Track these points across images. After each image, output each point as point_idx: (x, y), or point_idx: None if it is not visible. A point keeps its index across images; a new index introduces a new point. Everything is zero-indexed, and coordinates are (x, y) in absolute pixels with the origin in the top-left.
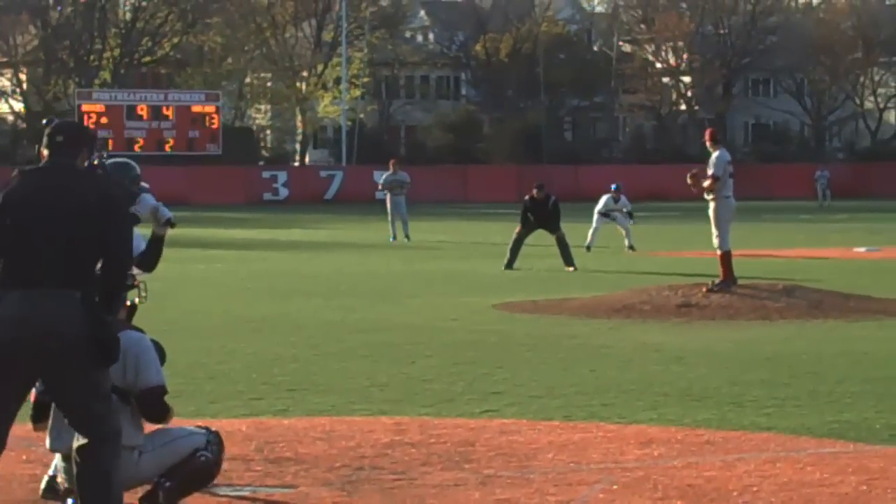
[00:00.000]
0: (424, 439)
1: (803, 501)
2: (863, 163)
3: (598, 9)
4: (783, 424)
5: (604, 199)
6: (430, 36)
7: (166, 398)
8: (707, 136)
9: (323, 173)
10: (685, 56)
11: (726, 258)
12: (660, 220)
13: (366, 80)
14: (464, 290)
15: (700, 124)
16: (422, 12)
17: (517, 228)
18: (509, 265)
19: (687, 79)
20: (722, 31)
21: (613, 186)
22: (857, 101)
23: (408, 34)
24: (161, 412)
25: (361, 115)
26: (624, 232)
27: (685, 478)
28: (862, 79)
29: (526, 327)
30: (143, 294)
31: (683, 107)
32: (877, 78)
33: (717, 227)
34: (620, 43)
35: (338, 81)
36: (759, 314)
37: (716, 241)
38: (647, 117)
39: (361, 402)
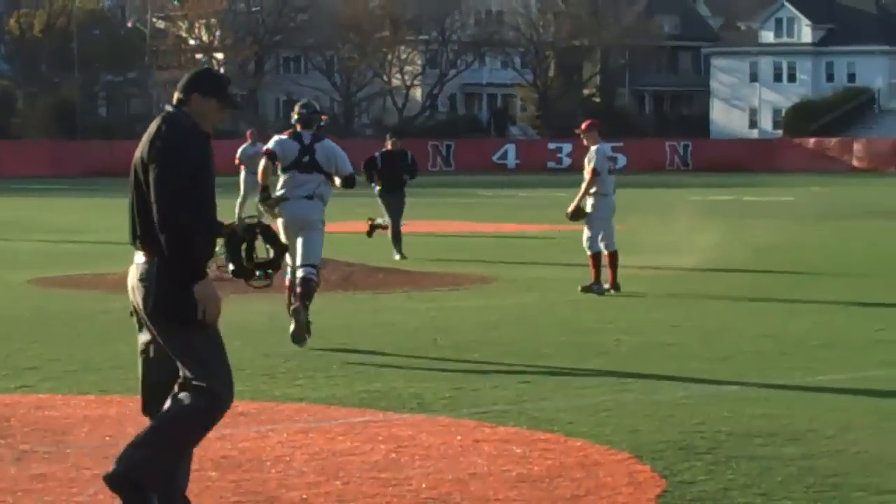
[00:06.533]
0: None
1: (335, 470)
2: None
3: None
4: (315, 395)
5: None
6: None
7: None
8: (585, 127)
9: None
10: (218, 33)
11: (613, 258)
12: None
13: None
14: None
15: None
16: None
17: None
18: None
19: (220, 55)
20: (254, 9)
21: None
22: (385, 79)
23: None
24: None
25: None
26: None
27: (219, 449)
28: (389, 56)
29: (62, 303)
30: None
31: None
32: (404, 56)
33: (595, 227)
34: (154, 19)
35: None
36: None
37: (587, 242)
38: None
39: None
